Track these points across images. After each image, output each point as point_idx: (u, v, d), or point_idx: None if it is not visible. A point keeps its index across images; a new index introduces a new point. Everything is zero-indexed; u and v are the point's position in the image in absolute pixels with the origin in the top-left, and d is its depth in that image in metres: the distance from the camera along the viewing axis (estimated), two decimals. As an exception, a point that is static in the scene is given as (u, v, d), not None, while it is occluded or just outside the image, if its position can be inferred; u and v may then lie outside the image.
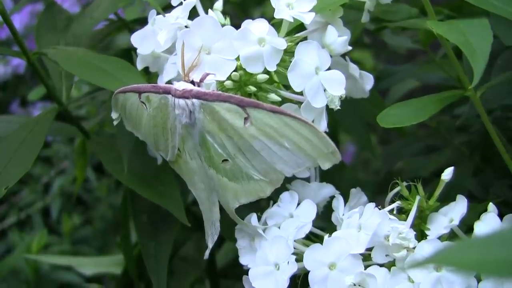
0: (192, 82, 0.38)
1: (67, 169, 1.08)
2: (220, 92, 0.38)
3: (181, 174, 0.42)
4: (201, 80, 0.38)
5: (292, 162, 0.38)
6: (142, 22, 0.45)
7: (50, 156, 1.11)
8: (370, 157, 1.00)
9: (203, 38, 0.38)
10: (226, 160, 0.38)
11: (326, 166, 0.37)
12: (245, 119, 0.37)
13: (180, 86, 0.38)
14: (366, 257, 0.37)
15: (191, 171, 0.41)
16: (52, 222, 1.07)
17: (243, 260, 0.41)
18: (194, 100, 0.37)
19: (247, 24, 0.38)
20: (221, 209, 0.41)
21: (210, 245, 0.42)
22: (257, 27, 0.38)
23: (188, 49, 0.38)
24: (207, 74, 0.38)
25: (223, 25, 0.39)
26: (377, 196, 0.43)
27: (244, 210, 0.41)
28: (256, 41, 0.38)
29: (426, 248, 0.36)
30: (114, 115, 0.43)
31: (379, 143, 1.08)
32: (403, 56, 0.81)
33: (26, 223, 1.07)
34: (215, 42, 0.38)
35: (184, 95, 0.37)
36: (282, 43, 0.38)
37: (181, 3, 0.42)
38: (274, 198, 0.41)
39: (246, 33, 0.38)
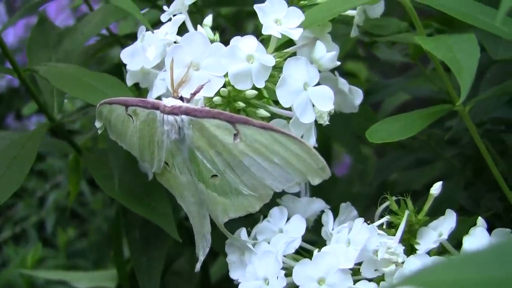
0: (181, 98, 0.38)
1: (62, 183, 1.08)
2: (209, 108, 0.38)
3: (169, 188, 0.42)
4: (194, 94, 0.38)
5: (281, 177, 0.38)
6: (134, 37, 0.45)
7: (45, 170, 1.11)
8: (367, 168, 1.00)
9: (192, 54, 0.38)
10: (216, 175, 0.38)
11: (315, 181, 0.37)
12: (235, 135, 0.37)
13: (169, 102, 0.38)
14: (355, 272, 0.37)
15: (181, 185, 0.41)
16: (47, 235, 1.07)
17: (233, 274, 0.41)
18: (183, 117, 0.37)
19: (235, 41, 0.38)
20: (213, 223, 0.41)
21: (201, 257, 0.42)
22: (245, 44, 0.38)
23: (177, 65, 0.38)
24: (202, 87, 0.38)
25: (212, 41, 0.39)
26: (370, 209, 0.43)
27: (236, 224, 0.41)
28: (245, 58, 0.38)
29: (415, 263, 0.36)
30: (97, 124, 0.43)
31: (375, 154, 1.08)
32: (397, 68, 0.81)
33: (21, 237, 1.07)
34: (204, 58, 0.38)
35: (173, 111, 0.37)
36: (270, 60, 0.38)
37: (170, 19, 0.42)
38: (264, 213, 0.41)
39: (234, 50, 0.38)
